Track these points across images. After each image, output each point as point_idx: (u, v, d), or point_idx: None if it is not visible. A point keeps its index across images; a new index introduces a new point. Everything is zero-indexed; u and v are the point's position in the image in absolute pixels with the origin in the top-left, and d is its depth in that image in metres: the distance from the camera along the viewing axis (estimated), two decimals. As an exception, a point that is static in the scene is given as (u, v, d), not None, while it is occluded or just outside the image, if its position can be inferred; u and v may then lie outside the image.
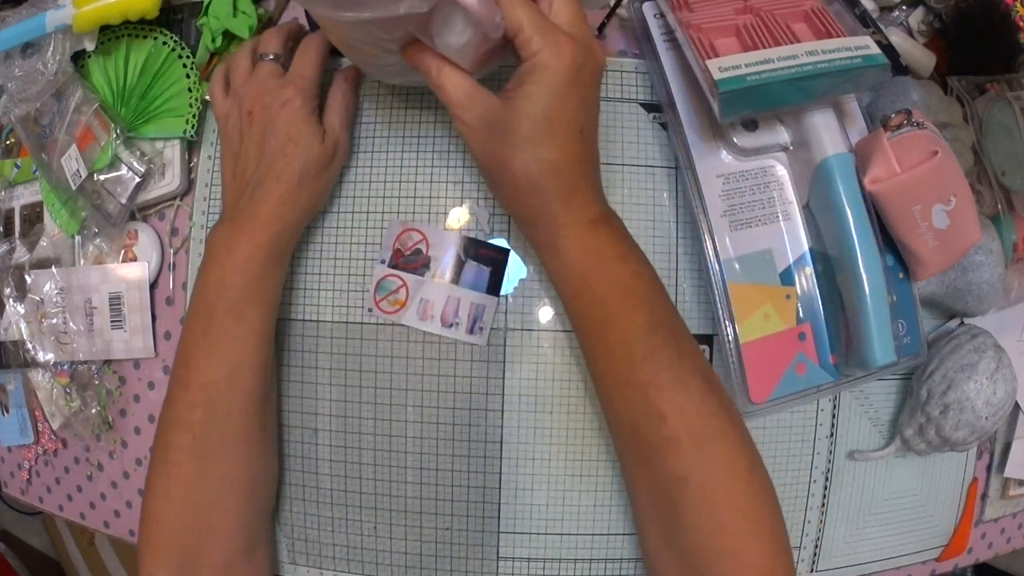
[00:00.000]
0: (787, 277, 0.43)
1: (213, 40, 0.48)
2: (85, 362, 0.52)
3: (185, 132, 0.48)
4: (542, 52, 0.33)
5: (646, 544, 0.39)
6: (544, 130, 0.34)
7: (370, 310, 0.46)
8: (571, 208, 0.36)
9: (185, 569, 0.40)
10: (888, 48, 0.47)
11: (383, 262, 0.46)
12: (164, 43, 0.49)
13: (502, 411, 0.46)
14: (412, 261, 0.46)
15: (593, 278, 0.36)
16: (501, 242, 0.46)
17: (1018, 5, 0.49)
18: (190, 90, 0.49)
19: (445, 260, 0.46)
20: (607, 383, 0.37)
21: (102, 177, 0.49)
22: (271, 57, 0.43)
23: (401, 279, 0.46)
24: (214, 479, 0.40)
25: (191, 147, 0.50)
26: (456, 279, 0.46)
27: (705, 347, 0.46)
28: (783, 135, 0.43)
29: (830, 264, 0.41)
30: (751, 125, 0.43)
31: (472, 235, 0.46)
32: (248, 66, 0.44)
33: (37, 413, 0.56)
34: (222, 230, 0.41)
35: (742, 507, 0.35)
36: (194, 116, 0.48)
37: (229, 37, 0.49)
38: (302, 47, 0.44)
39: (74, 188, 0.48)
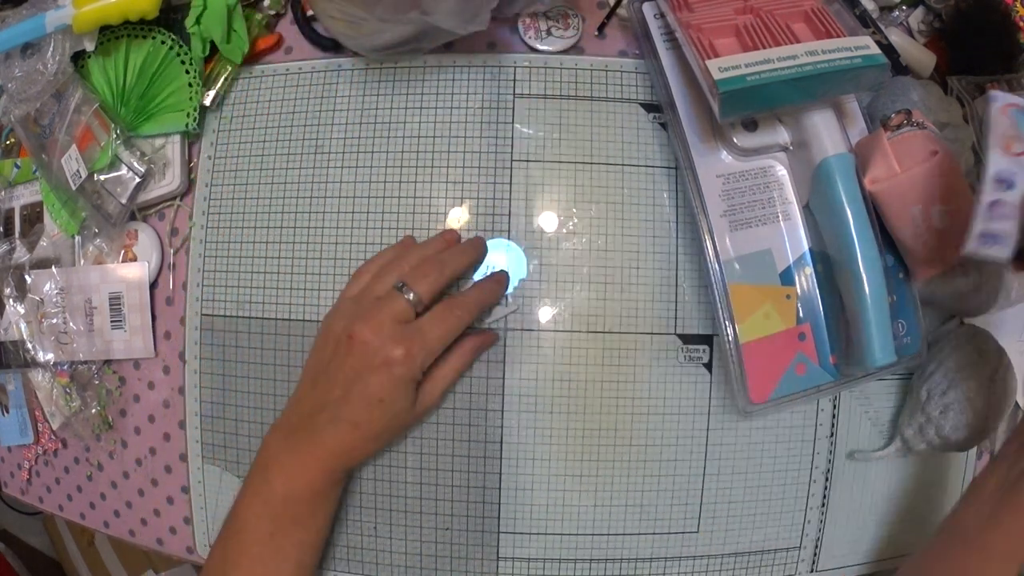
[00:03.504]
0: (787, 277, 0.43)
1: (204, 49, 0.48)
2: (85, 362, 0.52)
3: (187, 126, 0.48)
4: None
5: None
6: None
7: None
8: None
9: None
10: (888, 48, 0.47)
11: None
12: (163, 42, 0.49)
13: (502, 411, 0.46)
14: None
15: None
16: (501, 242, 0.46)
17: (1018, 5, 0.49)
18: (190, 85, 0.49)
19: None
20: None
21: (102, 177, 0.49)
22: (410, 298, 0.40)
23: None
24: None
25: (191, 147, 0.50)
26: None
27: (705, 347, 0.46)
28: (783, 135, 0.42)
29: (830, 264, 0.41)
30: (751, 125, 0.43)
31: (472, 235, 0.46)
32: (387, 284, 0.41)
33: (37, 413, 0.56)
34: (290, 442, 0.41)
35: None
36: (195, 109, 0.48)
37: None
38: (445, 308, 0.41)
39: (74, 188, 0.48)
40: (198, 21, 0.47)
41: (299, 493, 0.40)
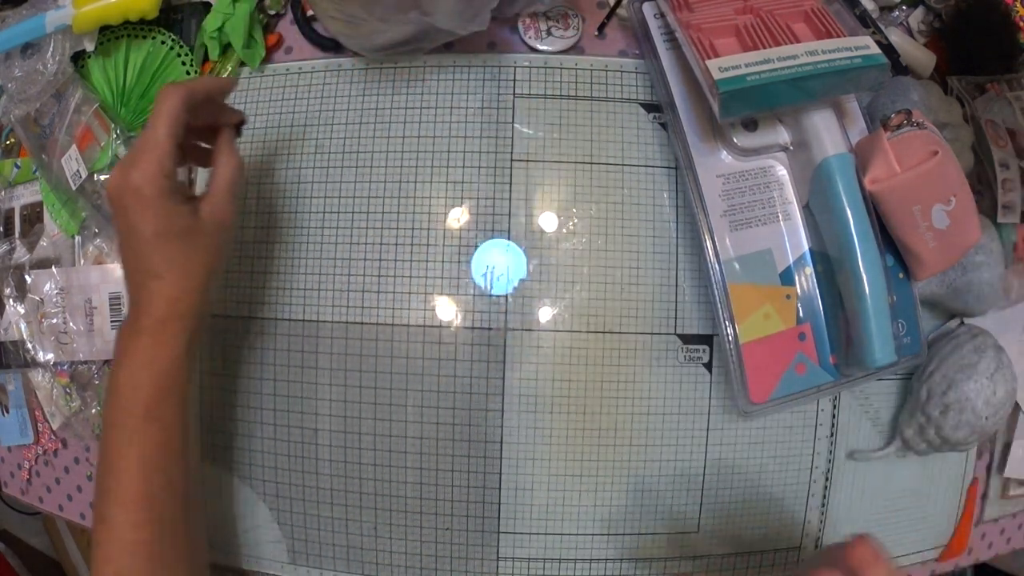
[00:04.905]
0: (787, 277, 0.43)
1: (219, 54, 0.49)
2: (85, 362, 0.52)
3: None
4: None
5: None
6: None
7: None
8: None
9: None
10: (888, 48, 0.47)
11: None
12: (163, 43, 0.49)
13: (502, 411, 0.46)
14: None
15: None
16: (501, 242, 0.46)
17: (1018, 5, 0.49)
18: None
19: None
20: None
21: (102, 177, 0.49)
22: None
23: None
24: None
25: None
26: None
27: (705, 347, 0.46)
28: (783, 135, 0.43)
29: (830, 264, 0.41)
30: (751, 125, 0.43)
31: (472, 234, 0.46)
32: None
33: (37, 413, 0.56)
34: (126, 329, 0.38)
35: None
36: None
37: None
38: (156, 101, 0.37)
39: (74, 188, 0.48)
40: (221, 28, 0.47)
41: (142, 381, 0.37)
